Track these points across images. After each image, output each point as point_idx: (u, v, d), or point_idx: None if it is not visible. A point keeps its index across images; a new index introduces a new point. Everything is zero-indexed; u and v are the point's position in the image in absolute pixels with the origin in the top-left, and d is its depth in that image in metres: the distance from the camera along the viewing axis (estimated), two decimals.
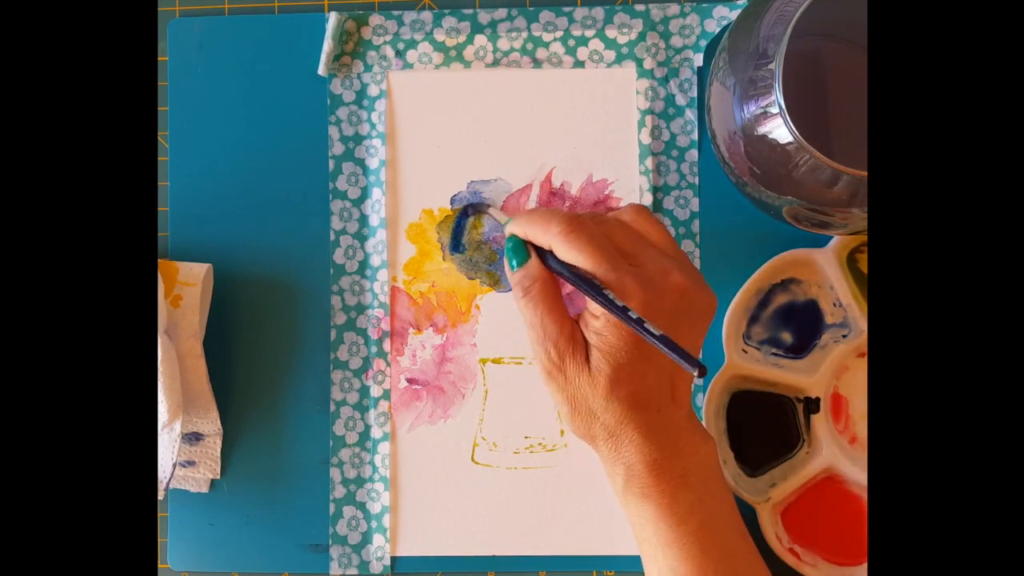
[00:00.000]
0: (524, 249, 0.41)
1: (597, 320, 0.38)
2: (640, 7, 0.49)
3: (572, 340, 0.38)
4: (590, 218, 0.40)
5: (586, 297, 0.38)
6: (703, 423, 0.47)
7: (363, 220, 0.50)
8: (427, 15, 0.50)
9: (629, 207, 0.42)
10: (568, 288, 0.45)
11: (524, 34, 0.50)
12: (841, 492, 0.48)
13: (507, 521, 0.49)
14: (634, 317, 0.36)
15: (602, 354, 0.38)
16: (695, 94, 0.49)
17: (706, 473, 0.39)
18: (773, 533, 0.47)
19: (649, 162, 0.49)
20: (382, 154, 0.50)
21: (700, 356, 0.42)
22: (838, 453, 0.47)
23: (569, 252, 0.38)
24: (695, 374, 0.35)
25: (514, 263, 0.41)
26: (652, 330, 0.36)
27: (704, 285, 0.39)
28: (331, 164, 0.50)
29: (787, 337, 0.48)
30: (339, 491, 0.49)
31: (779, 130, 0.38)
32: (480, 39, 0.50)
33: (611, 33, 0.49)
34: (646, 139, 0.49)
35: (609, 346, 0.38)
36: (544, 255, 0.41)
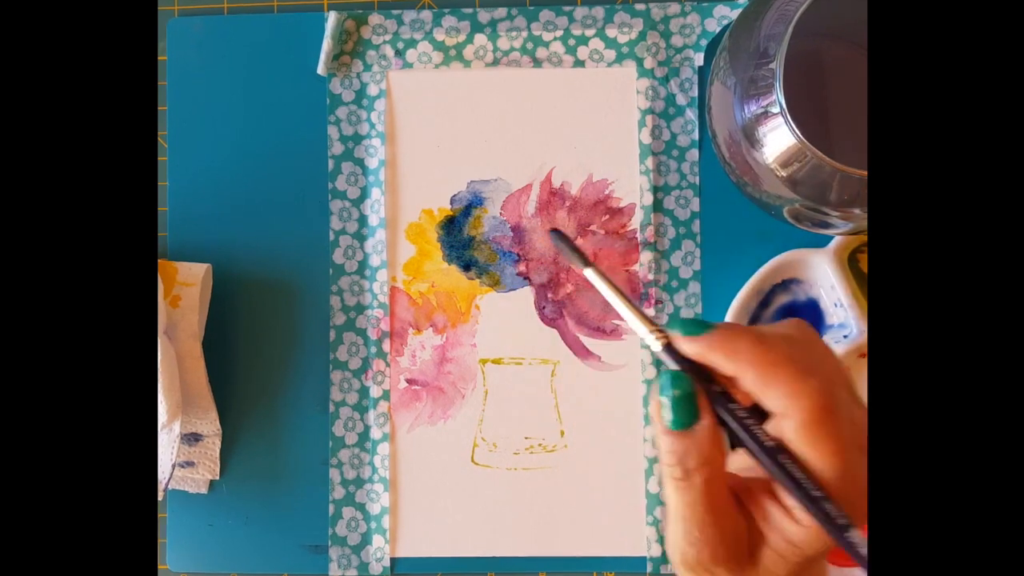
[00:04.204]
0: (694, 401, 0.29)
1: (799, 530, 0.29)
2: (640, 6, 0.49)
3: (737, 544, 0.30)
4: (785, 346, 0.30)
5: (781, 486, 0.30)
6: None
7: (363, 220, 0.50)
8: (427, 14, 0.50)
9: (788, 323, 0.31)
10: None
11: (524, 33, 0.49)
12: None
13: (507, 522, 0.49)
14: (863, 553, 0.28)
15: (784, 562, 0.30)
16: (695, 94, 0.49)
17: None
18: None
19: (649, 162, 0.49)
20: (382, 154, 0.50)
21: None
22: None
23: (814, 451, 0.28)
24: None
25: (677, 420, 0.29)
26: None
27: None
28: (331, 164, 0.50)
29: None
30: (338, 492, 0.49)
31: (780, 130, 0.38)
32: (480, 38, 0.50)
33: (611, 32, 0.49)
34: (646, 139, 0.49)
35: (799, 557, 0.30)
36: (716, 401, 0.29)
